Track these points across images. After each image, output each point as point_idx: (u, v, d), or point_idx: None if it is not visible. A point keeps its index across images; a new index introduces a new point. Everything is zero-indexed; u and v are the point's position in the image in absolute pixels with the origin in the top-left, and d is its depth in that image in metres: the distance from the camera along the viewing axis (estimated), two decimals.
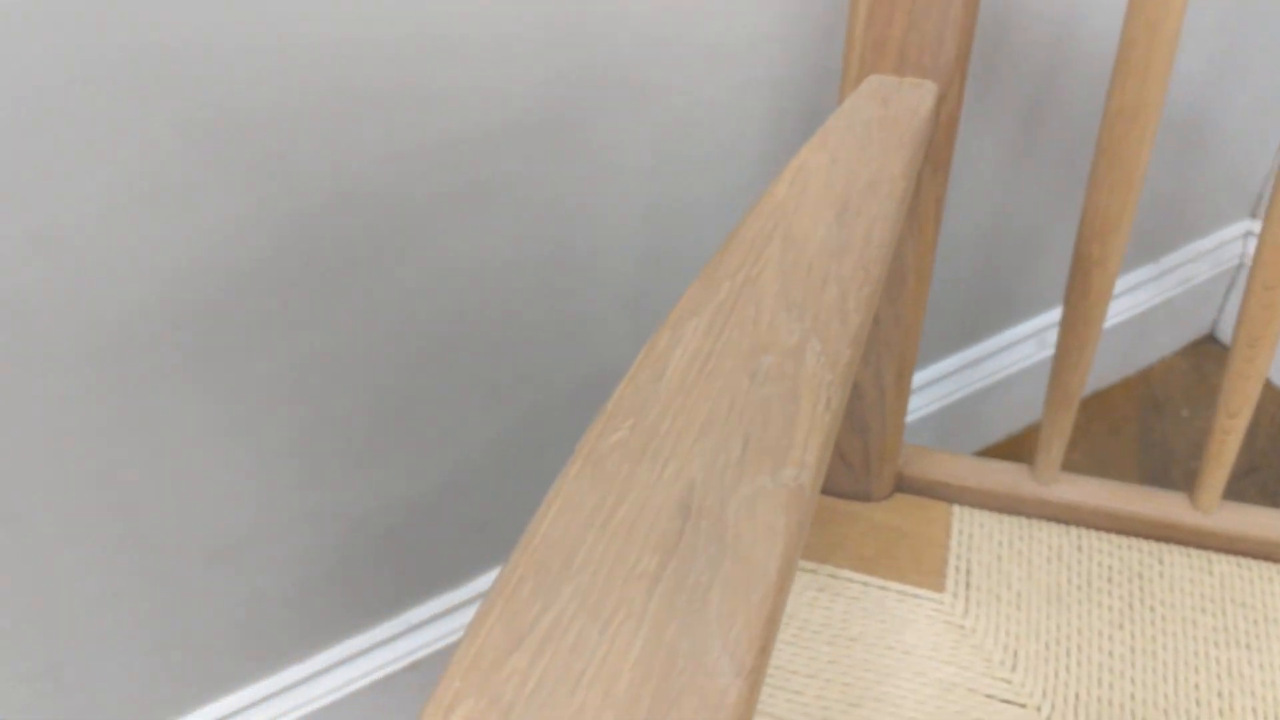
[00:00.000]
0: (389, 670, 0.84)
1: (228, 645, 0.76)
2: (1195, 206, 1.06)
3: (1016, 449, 1.08)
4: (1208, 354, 1.17)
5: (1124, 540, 0.55)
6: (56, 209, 0.51)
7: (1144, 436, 1.11)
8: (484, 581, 0.85)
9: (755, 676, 0.27)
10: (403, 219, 0.61)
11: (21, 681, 0.69)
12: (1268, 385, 1.14)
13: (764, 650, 0.27)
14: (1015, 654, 0.51)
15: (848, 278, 0.36)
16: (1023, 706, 0.49)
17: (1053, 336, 1.05)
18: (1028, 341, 1.04)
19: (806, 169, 0.41)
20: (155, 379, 0.60)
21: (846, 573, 0.54)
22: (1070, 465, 1.08)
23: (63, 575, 0.65)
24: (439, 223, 0.62)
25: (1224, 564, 0.54)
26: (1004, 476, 0.57)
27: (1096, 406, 1.13)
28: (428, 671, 0.86)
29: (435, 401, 0.71)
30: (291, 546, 0.73)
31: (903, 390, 0.54)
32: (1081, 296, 0.51)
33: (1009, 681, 0.50)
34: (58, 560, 0.64)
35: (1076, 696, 0.49)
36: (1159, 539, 0.55)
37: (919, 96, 0.44)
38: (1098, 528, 0.56)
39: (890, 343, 0.52)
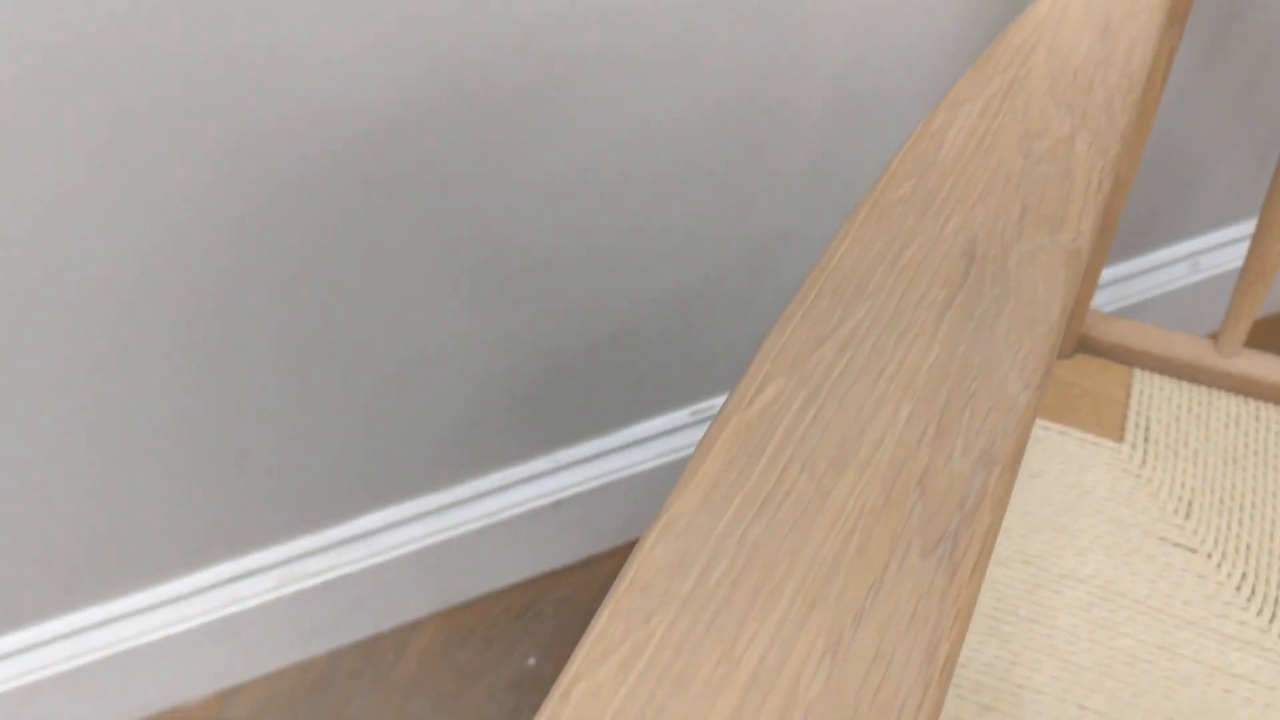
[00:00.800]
0: (535, 505, 0.89)
1: (397, 459, 0.80)
2: None
3: None
4: None
5: None
6: (292, 51, 0.55)
7: None
8: (633, 432, 0.89)
9: (1039, 394, 0.29)
10: (599, 68, 0.63)
11: (208, 463, 0.74)
12: None
13: (1047, 373, 0.30)
14: (1189, 504, 0.52)
15: (1114, 85, 0.38)
16: (1193, 551, 0.51)
17: (1207, 261, 1.05)
18: (1180, 264, 1.04)
19: None
20: (373, 194, 0.63)
21: None
22: None
23: (258, 368, 0.70)
24: (635, 77, 0.65)
25: None
26: (1187, 347, 0.58)
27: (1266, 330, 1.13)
28: (569, 511, 0.90)
29: (615, 249, 0.74)
30: (469, 371, 0.77)
31: (1104, 244, 0.55)
32: None
33: (1181, 528, 0.52)
34: (256, 352, 0.69)
35: (1247, 547, 0.51)
36: None
37: None
38: (1277, 402, 0.57)
39: None
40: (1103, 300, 1.01)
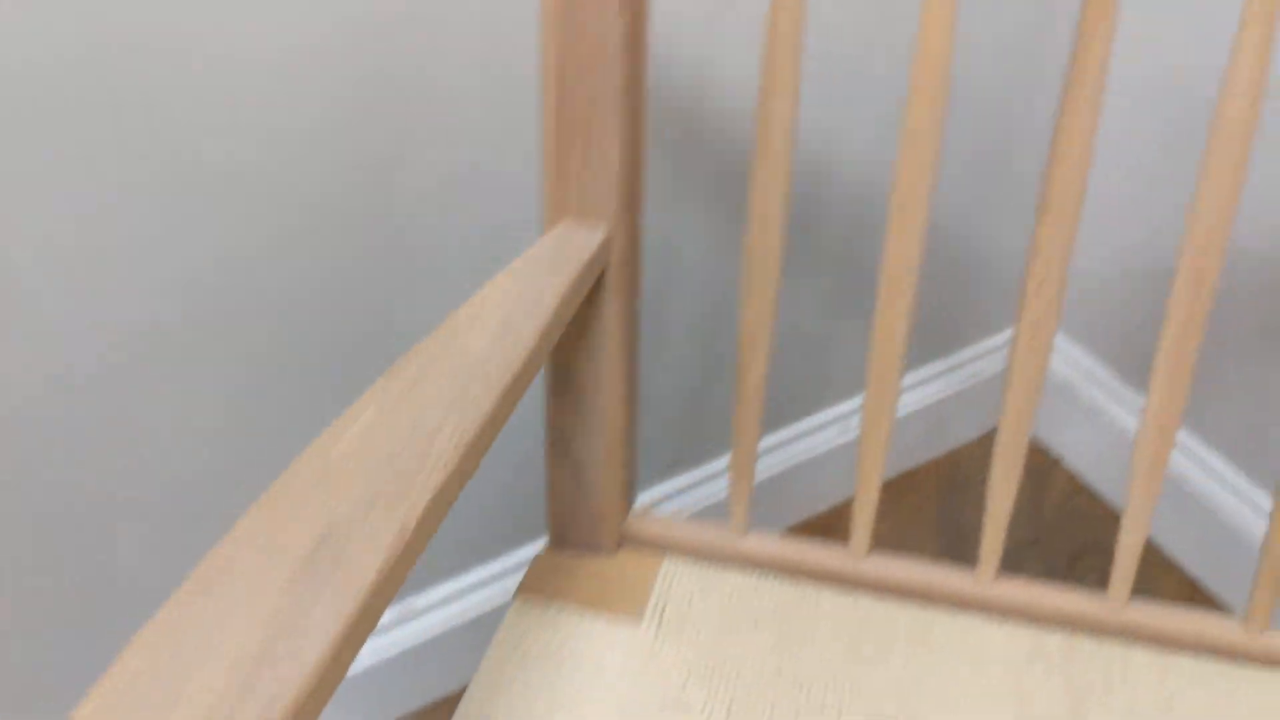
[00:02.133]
0: None
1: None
2: (983, 307, 1.21)
3: (835, 522, 1.23)
4: None
5: (791, 583, 0.69)
6: None
7: (943, 513, 1.25)
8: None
9: (336, 650, 0.40)
10: None
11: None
12: (1058, 466, 1.29)
13: (353, 631, 0.41)
14: (689, 672, 0.64)
15: (493, 377, 0.50)
16: (688, 711, 0.62)
17: (857, 421, 1.19)
18: (831, 427, 1.19)
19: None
20: None
21: (570, 610, 0.68)
22: (878, 536, 1.22)
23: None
24: None
25: (867, 601, 0.68)
26: (706, 532, 0.71)
27: (904, 484, 1.28)
28: None
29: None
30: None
31: (615, 461, 0.68)
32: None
33: (680, 695, 0.63)
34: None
35: (730, 703, 0.63)
36: (819, 580, 0.69)
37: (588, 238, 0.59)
38: (774, 570, 0.70)
39: (601, 420, 0.66)
40: (763, 467, 1.15)
